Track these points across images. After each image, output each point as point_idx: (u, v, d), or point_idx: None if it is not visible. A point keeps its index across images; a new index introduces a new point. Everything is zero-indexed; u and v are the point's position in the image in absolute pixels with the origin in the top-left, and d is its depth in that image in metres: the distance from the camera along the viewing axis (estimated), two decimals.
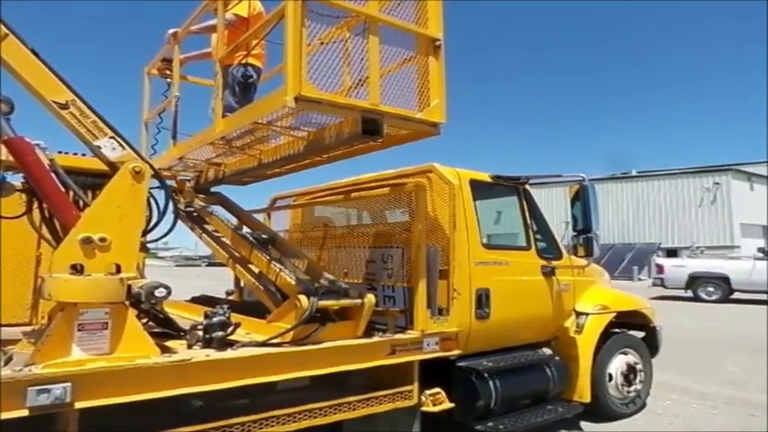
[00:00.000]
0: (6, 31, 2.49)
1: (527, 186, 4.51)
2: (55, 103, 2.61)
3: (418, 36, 3.26)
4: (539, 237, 4.52)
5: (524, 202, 4.46)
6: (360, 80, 3.11)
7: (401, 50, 3.23)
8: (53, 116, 2.64)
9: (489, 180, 4.28)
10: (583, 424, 4.64)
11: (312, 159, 3.97)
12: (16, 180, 2.96)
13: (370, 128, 3.01)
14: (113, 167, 2.71)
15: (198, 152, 4.17)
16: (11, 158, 2.65)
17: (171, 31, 4.21)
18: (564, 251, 4.69)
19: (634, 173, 38.44)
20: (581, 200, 4.48)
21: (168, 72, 4.44)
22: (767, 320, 11.40)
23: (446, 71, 3.30)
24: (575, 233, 4.55)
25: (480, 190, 4.14)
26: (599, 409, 4.69)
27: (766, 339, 9.03)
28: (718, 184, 32.62)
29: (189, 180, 4.78)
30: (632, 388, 4.95)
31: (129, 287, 2.55)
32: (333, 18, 3.01)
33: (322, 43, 2.95)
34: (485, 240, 4.04)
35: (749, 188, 33.82)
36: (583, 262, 4.78)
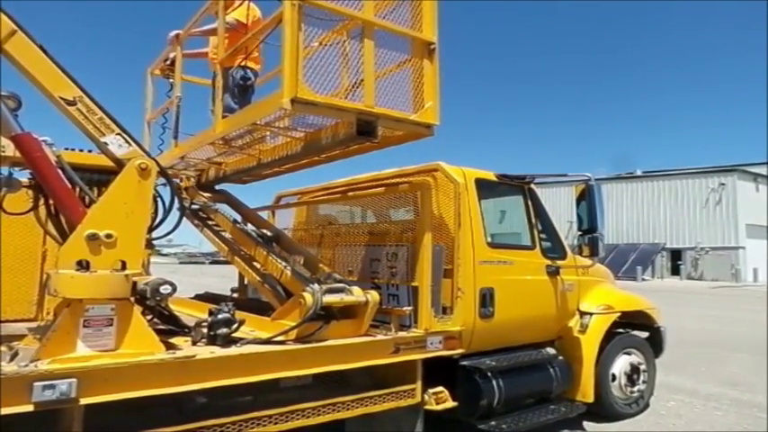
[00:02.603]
0: (14, 28, 2.50)
1: (532, 186, 4.50)
2: (62, 99, 2.61)
3: (413, 39, 3.29)
4: (543, 236, 4.50)
5: (529, 202, 4.45)
6: (357, 82, 3.14)
7: (397, 53, 3.27)
8: (60, 112, 2.65)
9: (495, 179, 4.27)
10: (585, 424, 4.63)
11: (310, 159, 4.01)
12: (23, 176, 2.98)
13: (365, 129, 3.05)
14: (120, 164, 2.71)
15: (199, 151, 4.21)
16: (18, 154, 2.66)
17: (173, 32, 4.27)
18: (568, 251, 4.68)
19: (639, 173, 38.31)
20: (587, 199, 4.46)
21: (171, 73, 4.48)
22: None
23: (440, 74, 3.33)
24: (580, 233, 4.53)
25: (486, 189, 4.13)
26: (602, 410, 4.68)
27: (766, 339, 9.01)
28: (723, 184, 32.51)
29: (191, 178, 4.82)
30: (635, 388, 4.93)
31: (135, 284, 2.56)
32: (330, 21, 3.04)
33: (320, 44, 2.97)
34: (489, 239, 4.04)
35: (755, 189, 33.70)
36: (587, 262, 4.77)
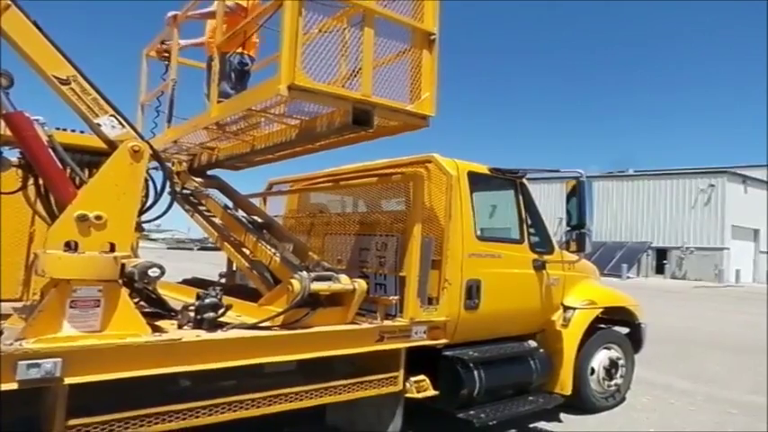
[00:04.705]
0: (8, 2, 2.47)
1: (524, 180, 4.54)
2: (56, 78, 2.59)
3: (414, 30, 3.29)
4: (532, 231, 4.55)
5: (521, 196, 4.49)
6: (355, 70, 3.14)
7: (396, 43, 3.27)
8: (53, 91, 2.63)
9: (487, 173, 4.31)
10: (562, 416, 4.73)
11: (304, 147, 4.01)
12: (12, 155, 2.96)
13: (361, 118, 3.05)
14: (112, 146, 2.71)
15: (192, 136, 4.19)
16: (8, 133, 2.64)
17: (170, 13, 4.21)
18: (556, 246, 4.74)
19: (631, 172, 38.56)
20: (577, 196, 4.51)
21: (166, 55, 4.43)
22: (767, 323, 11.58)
23: (439, 65, 3.33)
24: (568, 228, 4.59)
25: (478, 182, 4.16)
26: (579, 402, 4.79)
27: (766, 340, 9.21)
28: (712, 185, 32.80)
29: (182, 162, 4.80)
30: (613, 382, 5.05)
31: (123, 266, 2.57)
32: (331, 8, 3.03)
33: (320, 31, 2.96)
34: (479, 232, 4.08)
35: (743, 191, 34.03)
36: (574, 257, 4.83)
